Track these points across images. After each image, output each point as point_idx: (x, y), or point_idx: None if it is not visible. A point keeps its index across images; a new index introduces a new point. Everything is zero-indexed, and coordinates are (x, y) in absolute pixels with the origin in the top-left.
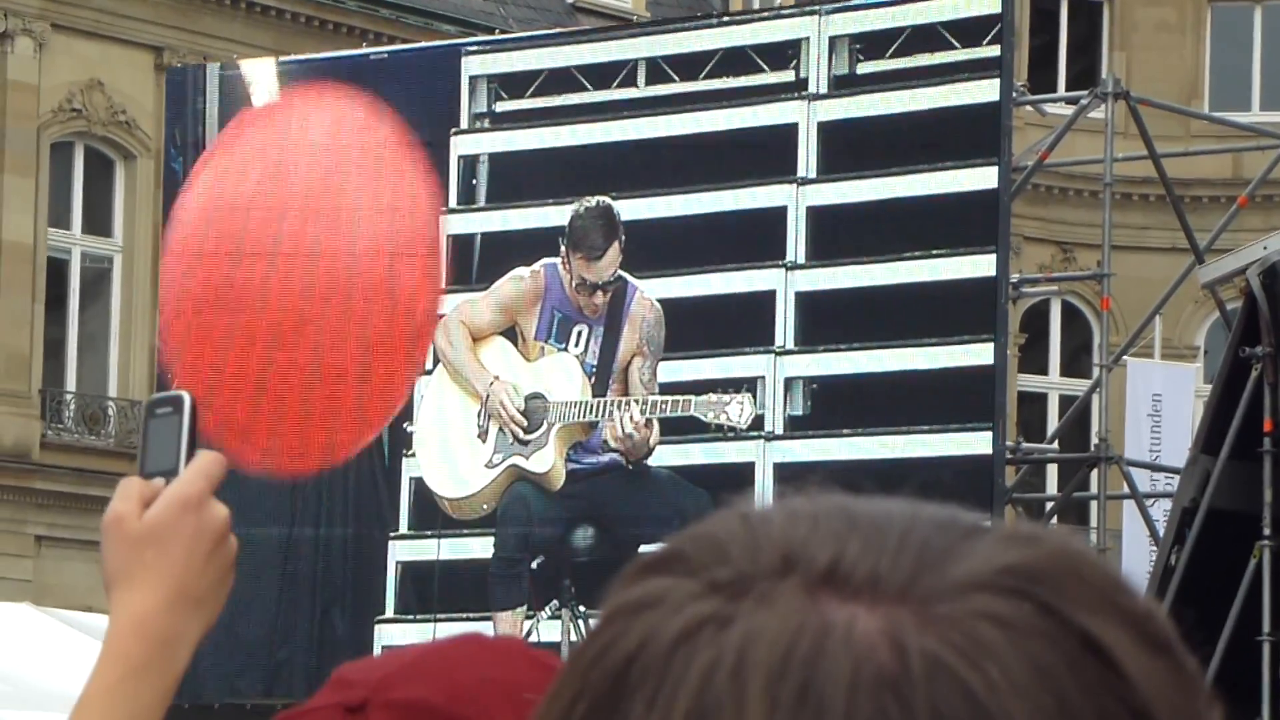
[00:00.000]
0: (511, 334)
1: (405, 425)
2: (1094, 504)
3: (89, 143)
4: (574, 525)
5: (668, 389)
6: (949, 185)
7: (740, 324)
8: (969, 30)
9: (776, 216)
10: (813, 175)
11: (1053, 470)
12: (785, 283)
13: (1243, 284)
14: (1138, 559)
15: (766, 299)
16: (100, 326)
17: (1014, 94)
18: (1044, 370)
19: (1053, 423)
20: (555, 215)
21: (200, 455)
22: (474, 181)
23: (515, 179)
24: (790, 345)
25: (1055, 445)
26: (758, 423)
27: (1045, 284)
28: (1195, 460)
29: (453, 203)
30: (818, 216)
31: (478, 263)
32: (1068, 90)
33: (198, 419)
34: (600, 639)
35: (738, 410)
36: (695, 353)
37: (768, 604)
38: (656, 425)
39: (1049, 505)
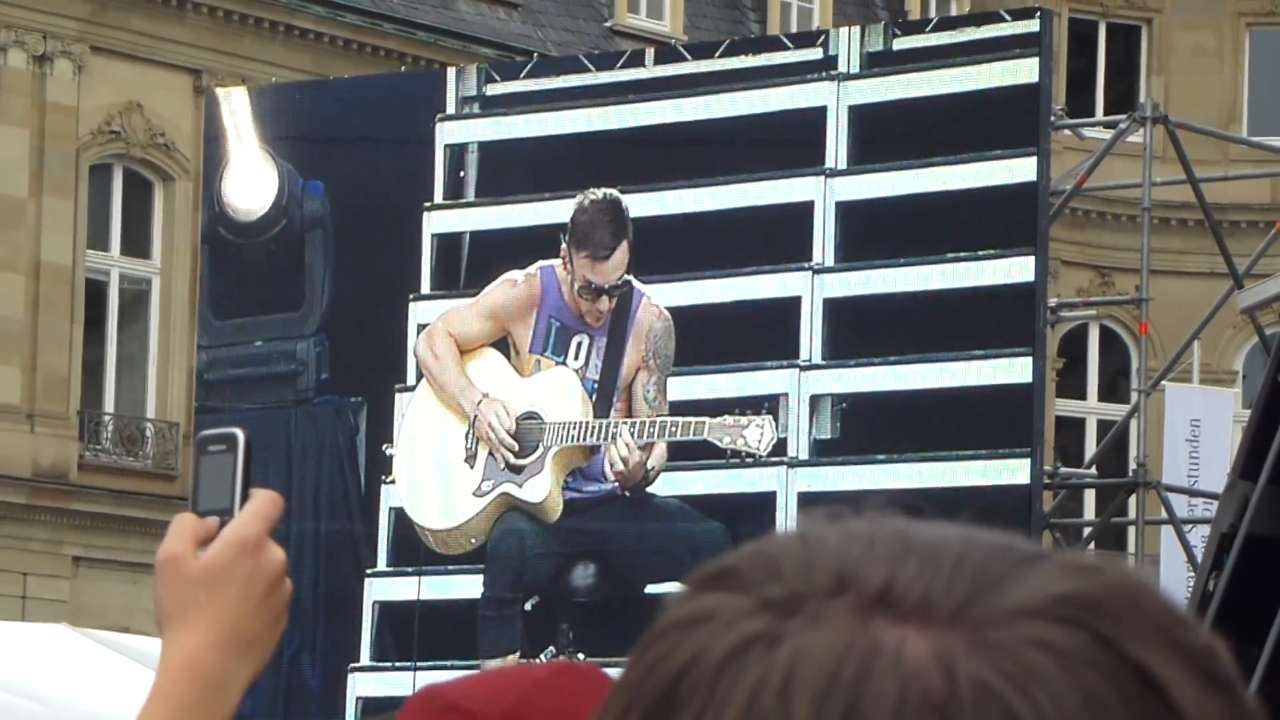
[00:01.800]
0: (503, 345)
1: (384, 448)
2: (1132, 529)
3: (128, 165)
4: (573, 562)
5: (678, 409)
6: (987, 178)
7: (761, 334)
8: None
9: (802, 213)
10: (843, 166)
11: (1090, 495)
12: (812, 287)
13: None
14: (1176, 585)
15: (790, 306)
16: (138, 348)
17: (1052, 117)
18: (1082, 395)
19: (1090, 448)
20: (553, 211)
21: (256, 496)
22: (461, 174)
23: (508, 171)
24: (817, 359)
25: (1093, 470)
26: (780, 447)
27: (1083, 308)
28: (1234, 485)
29: (437, 197)
30: (849, 213)
31: (466, 265)
32: (1106, 114)
33: (252, 457)
34: (652, 653)
35: (757, 434)
36: (709, 367)
37: (818, 623)
38: (662, 448)
39: (1086, 530)
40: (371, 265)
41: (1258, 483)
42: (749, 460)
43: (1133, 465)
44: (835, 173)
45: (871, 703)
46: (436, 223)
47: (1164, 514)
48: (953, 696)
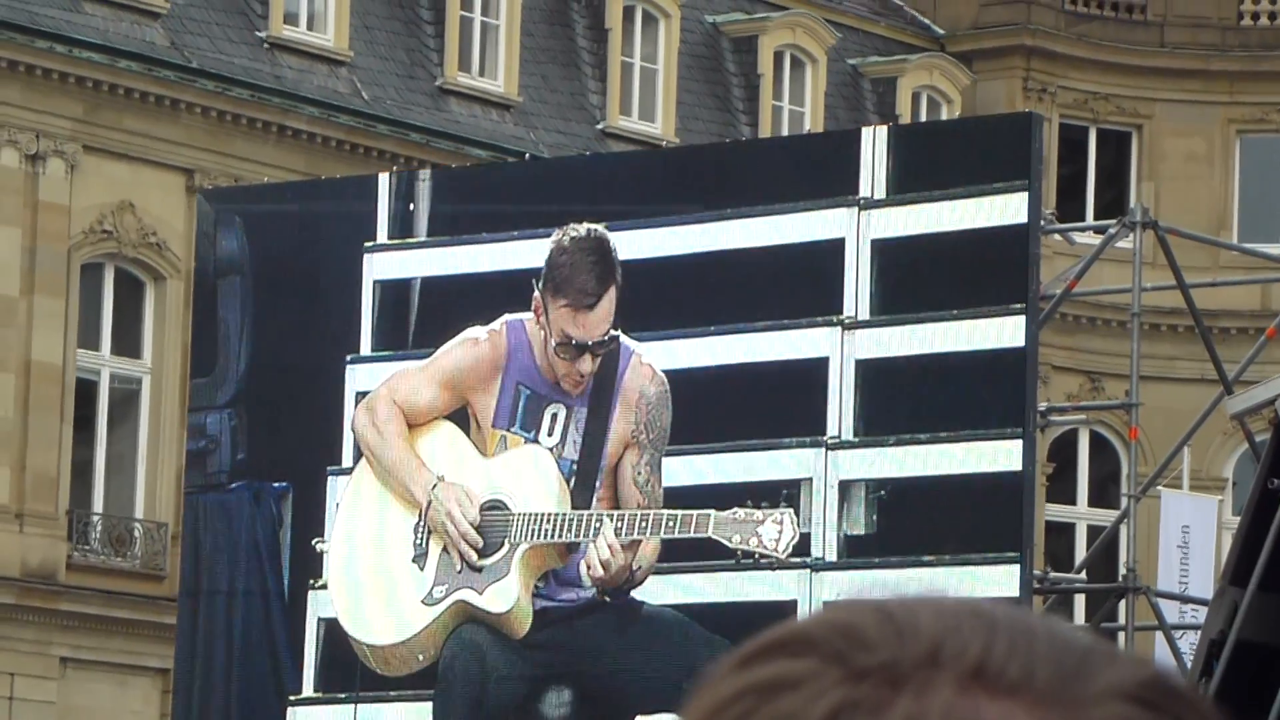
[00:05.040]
0: (462, 418)
1: (314, 543)
2: (1122, 634)
3: (119, 264)
4: (544, 686)
5: (676, 497)
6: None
7: (779, 404)
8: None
9: (831, 253)
10: (882, 194)
11: (1080, 600)
12: (842, 346)
13: (1271, 415)
14: None
15: (816, 369)
16: (128, 448)
17: (1042, 222)
18: (1072, 500)
19: (1080, 553)
20: (524, 253)
21: None
22: (411, 207)
23: (468, 203)
24: (848, 435)
25: (1083, 575)
26: (802, 546)
27: (1073, 413)
28: (1223, 592)
29: (381, 236)
30: (887, 255)
31: (415, 319)
32: (1096, 219)
33: None
34: (724, 717)
35: (774, 532)
36: (714, 445)
37: (927, 693)
38: (653, 545)
39: None
40: (300, 319)
41: (1247, 589)
42: (764, 563)
43: (1123, 570)
44: (871, 204)
45: None
46: (380, 267)
47: (1154, 619)
48: None
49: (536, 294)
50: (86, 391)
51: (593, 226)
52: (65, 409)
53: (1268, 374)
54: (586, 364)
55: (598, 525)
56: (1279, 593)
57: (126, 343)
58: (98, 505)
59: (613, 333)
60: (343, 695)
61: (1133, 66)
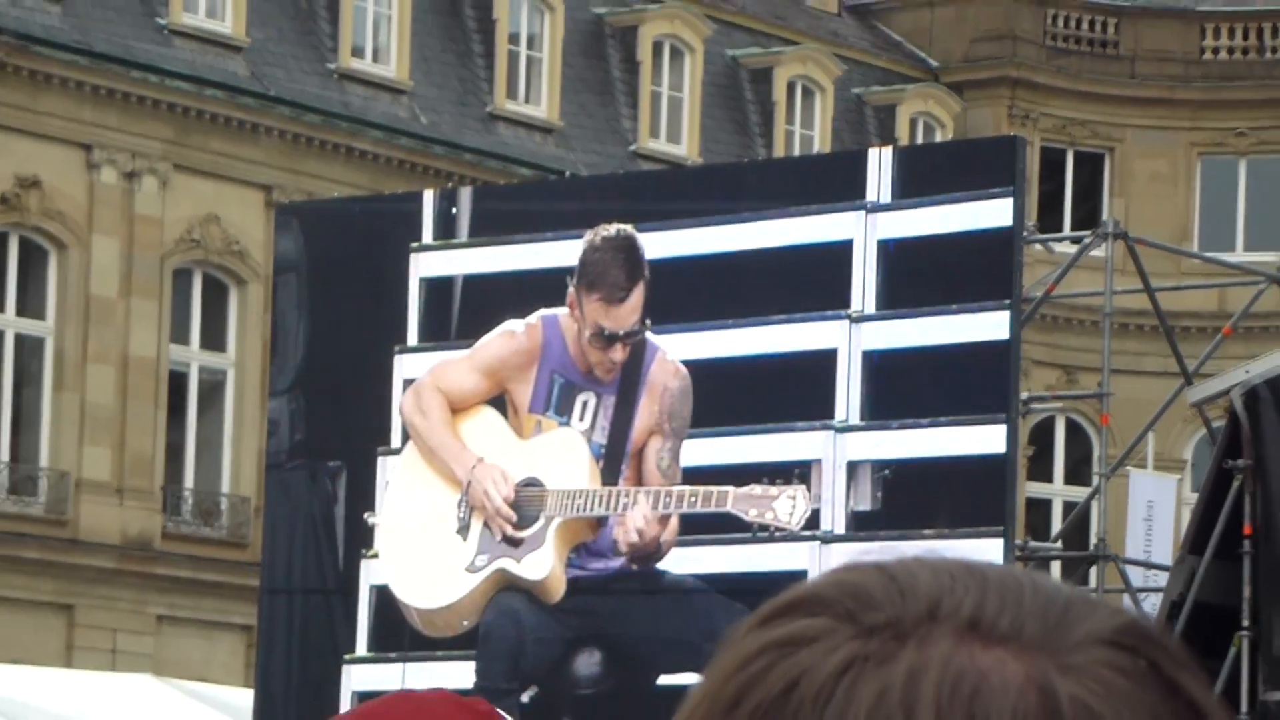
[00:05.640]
0: (500, 404)
1: (366, 517)
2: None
3: (206, 270)
4: (576, 648)
5: (694, 477)
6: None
7: (792, 391)
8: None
9: (838, 254)
10: (886, 200)
11: (1056, 567)
12: (850, 338)
13: (1227, 404)
14: None
15: (826, 359)
16: (215, 431)
17: (1025, 233)
18: (1049, 479)
19: (1056, 525)
20: (558, 252)
21: None
22: (454, 210)
23: (507, 207)
24: (855, 420)
25: (1059, 545)
26: (813, 520)
27: (1051, 402)
28: (1183, 560)
29: (427, 237)
30: (894, 254)
31: (458, 313)
32: (1073, 231)
33: None
34: (746, 672)
35: (788, 507)
36: (731, 429)
37: (927, 645)
38: (675, 522)
39: None
40: (352, 313)
41: (1204, 557)
42: (778, 536)
43: (1094, 540)
44: (878, 207)
45: (990, 714)
46: (425, 265)
47: (1121, 584)
48: (1056, 712)
49: (570, 290)
50: (178, 382)
51: (622, 226)
52: (159, 397)
53: (1223, 368)
54: (618, 353)
55: (632, 501)
56: (1232, 560)
57: (213, 339)
58: (189, 481)
59: (644, 325)
60: (393, 655)
61: (1106, 96)
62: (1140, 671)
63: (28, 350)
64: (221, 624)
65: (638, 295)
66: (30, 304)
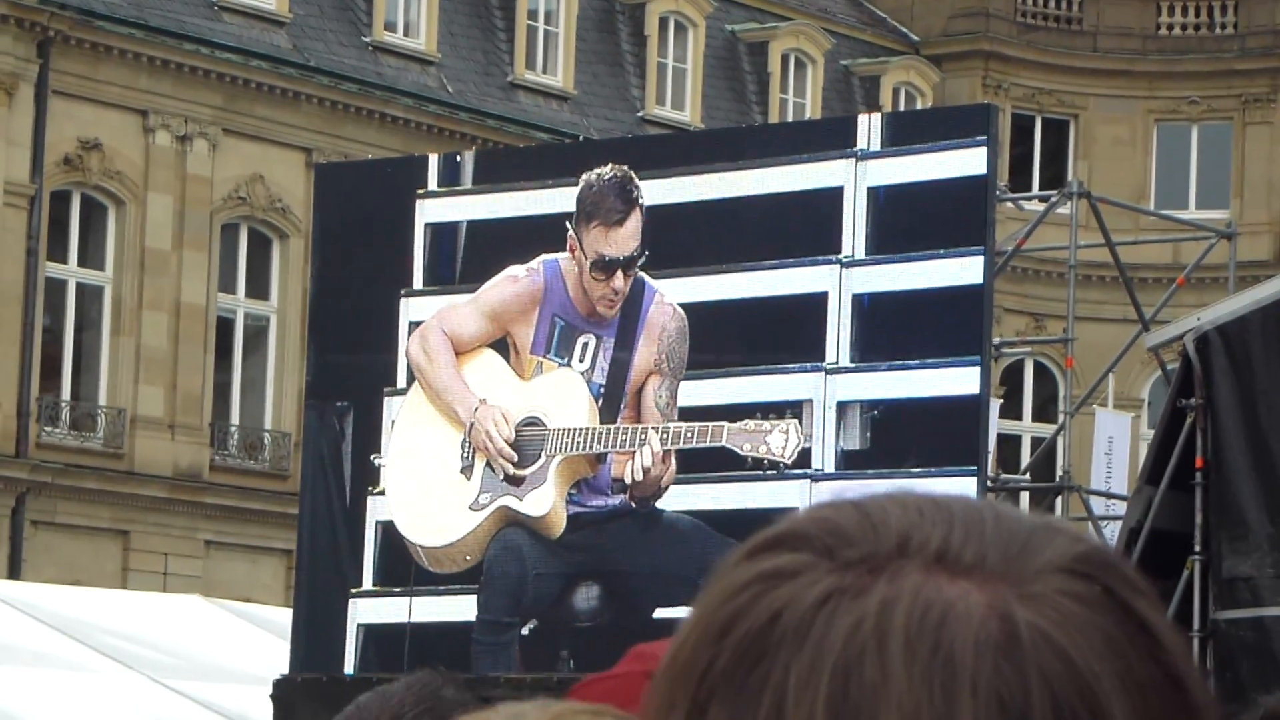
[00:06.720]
0: (502, 346)
1: (372, 457)
2: None
3: (252, 225)
4: (575, 582)
5: (690, 415)
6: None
7: (784, 333)
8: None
9: (829, 200)
10: (876, 148)
11: (1025, 497)
12: (840, 282)
13: (1180, 348)
14: None
15: (817, 302)
16: (259, 373)
17: (997, 193)
18: (1019, 416)
19: (1025, 458)
20: (558, 200)
21: None
22: (458, 158)
23: (508, 156)
24: (845, 361)
25: (1028, 477)
26: (804, 457)
27: (1021, 346)
28: (1140, 490)
29: (431, 184)
30: (882, 201)
31: (462, 258)
32: (1041, 190)
33: None
34: (733, 604)
35: (781, 440)
36: (726, 370)
37: (898, 579)
38: (673, 462)
39: None
40: (359, 257)
41: (1160, 488)
42: (769, 473)
43: (1059, 473)
44: (867, 155)
45: (954, 641)
46: (430, 211)
47: (1085, 513)
48: (1015, 638)
49: (570, 232)
50: (225, 327)
51: (618, 166)
52: (208, 341)
53: (1177, 315)
54: (619, 280)
55: (644, 438)
56: (1185, 490)
57: (257, 288)
58: (234, 418)
59: (640, 253)
60: (398, 589)
61: (1071, 67)
62: (1096, 597)
63: (88, 298)
64: (264, 549)
65: (634, 222)
66: (91, 256)
